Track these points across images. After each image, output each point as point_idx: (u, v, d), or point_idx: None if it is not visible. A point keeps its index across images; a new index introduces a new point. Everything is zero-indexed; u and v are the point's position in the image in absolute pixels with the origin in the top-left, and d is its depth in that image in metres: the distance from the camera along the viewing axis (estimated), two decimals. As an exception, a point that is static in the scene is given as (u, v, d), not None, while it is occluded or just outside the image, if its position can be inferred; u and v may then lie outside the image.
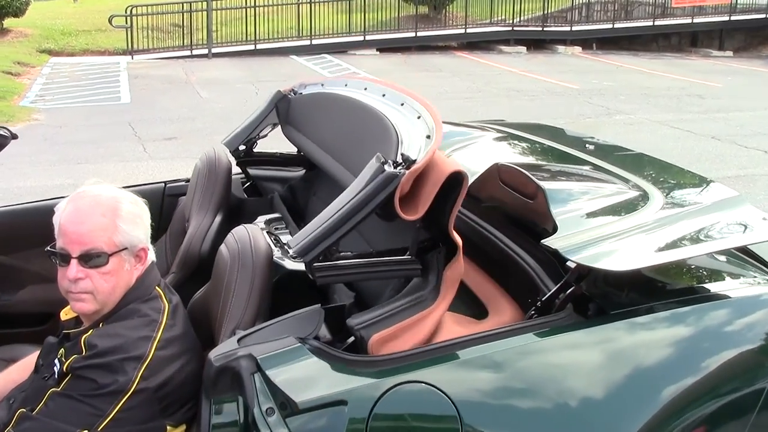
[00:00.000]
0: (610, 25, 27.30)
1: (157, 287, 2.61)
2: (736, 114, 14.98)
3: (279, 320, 2.41)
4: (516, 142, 4.03)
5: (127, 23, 21.55)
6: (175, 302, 2.61)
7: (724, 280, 3.08)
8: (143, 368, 2.33)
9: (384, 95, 3.16)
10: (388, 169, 2.31)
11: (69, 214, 2.46)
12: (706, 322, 2.68)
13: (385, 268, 2.50)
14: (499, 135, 4.10)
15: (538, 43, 25.98)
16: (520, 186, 2.96)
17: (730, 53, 27.38)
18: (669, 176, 3.56)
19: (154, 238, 3.80)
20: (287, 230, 3.51)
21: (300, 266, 3.08)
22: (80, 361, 2.34)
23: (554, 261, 2.72)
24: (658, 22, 27.69)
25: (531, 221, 2.99)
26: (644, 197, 3.01)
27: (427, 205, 2.34)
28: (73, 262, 2.41)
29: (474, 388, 2.31)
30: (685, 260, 2.94)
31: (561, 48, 25.83)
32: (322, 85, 3.85)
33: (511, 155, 3.86)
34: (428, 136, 2.55)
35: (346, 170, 3.09)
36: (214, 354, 2.24)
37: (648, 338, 2.54)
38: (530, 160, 3.85)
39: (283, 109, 3.97)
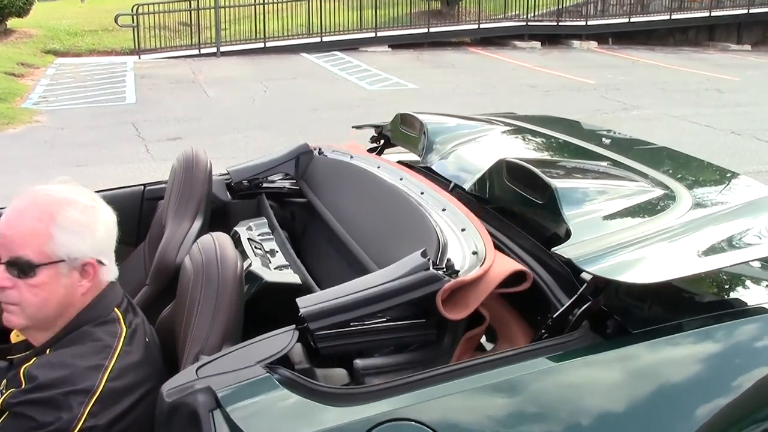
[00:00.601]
0: (626, 20, 26.86)
1: (116, 309, 2.27)
2: (756, 108, 14.70)
3: (247, 344, 2.07)
4: (526, 135, 3.64)
5: (133, 22, 21.32)
6: (135, 325, 2.27)
7: (764, 290, 2.71)
8: (92, 403, 2.00)
9: (422, 193, 3.02)
10: (434, 270, 2.16)
11: (6, 214, 2.14)
12: (746, 340, 2.31)
13: (398, 335, 2.25)
14: (508, 128, 3.72)
15: (552, 38, 25.69)
16: (529, 185, 2.61)
17: (748, 47, 26.97)
18: (697, 172, 3.17)
19: (134, 245, 3.56)
20: (272, 237, 3.18)
21: (281, 278, 2.77)
22: (17, 395, 2.00)
23: (567, 271, 2.36)
24: (675, 16, 27.27)
25: (541, 225, 2.64)
26: (670, 197, 2.62)
27: (475, 306, 2.19)
28: (1, 268, 2.10)
29: (470, 426, 1.95)
30: (721, 270, 2.57)
31: (576, 43, 25.50)
32: (351, 156, 3.66)
33: (519, 150, 3.45)
34: (475, 253, 2.40)
35: (361, 250, 2.94)
36: (167, 387, 1.91)
37: (679, 360, 2.16)
38: (541, 155, 3.47)
39: (304, 163, 3.82)
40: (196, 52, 21.88)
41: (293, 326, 2.10)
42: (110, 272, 2.27)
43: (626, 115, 13.95)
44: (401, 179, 3.20)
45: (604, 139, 3.68)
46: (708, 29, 28.14)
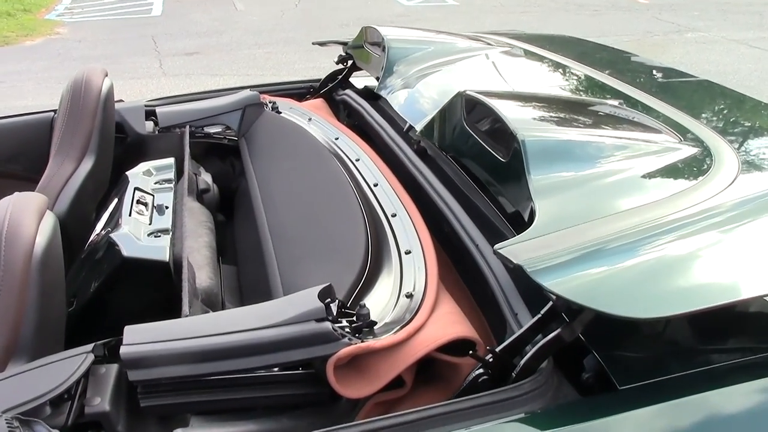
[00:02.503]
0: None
1: None
2: (830, 33, 13.54)
3: (27, 370, 1.37)
4: (519, 60, 2.75)
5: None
6: None
7: None
8: None
9: (376, 185, 2.22)
10: (330, 324, 1.42)
11: None
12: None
13: (269, 393, 1.45)
14: (500, 50, 2.81)
15: (607, -47, 24.39)
16: (491, 132, 1.78)
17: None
18: (751, 121, 2.25)
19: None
20: (171, 186, 2.40)
21: (145, 252, 2.01)
22: None
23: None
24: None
25: (505, 193, 1.81)
26: (705, 158, 1.75)
27: (388, 381, 1.44)
28: None
29: None
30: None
31: (632, -41, 24.17)
32: (310, 119, 2.84)
33: (500, 80, 2.58)
34: (409, 296, 1.64)
35: (274, 256, 2.11)
36: None
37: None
38: (528, 88, 2.52)
39: (251, 117, 3.02)
40: (234, -39, 21.05)
41: (91, 345, 1.37)
42: None
43: (679, 38, 12.88)
44: (357, 160, 2.39)
45: (624, 67, 2.79)
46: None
